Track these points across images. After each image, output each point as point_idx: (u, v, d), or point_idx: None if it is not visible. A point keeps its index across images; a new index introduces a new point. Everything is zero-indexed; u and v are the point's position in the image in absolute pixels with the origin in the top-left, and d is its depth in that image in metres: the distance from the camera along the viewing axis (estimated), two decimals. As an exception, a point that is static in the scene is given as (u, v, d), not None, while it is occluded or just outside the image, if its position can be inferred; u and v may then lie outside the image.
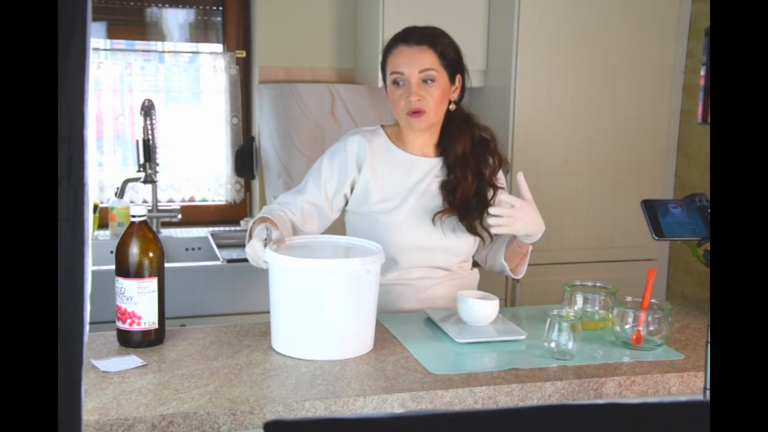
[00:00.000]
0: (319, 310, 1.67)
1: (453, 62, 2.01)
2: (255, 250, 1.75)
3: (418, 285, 2.05)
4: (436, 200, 2.04)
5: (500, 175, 2.10)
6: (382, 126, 2.12)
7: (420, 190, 2.03)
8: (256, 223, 1.89)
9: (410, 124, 2.00)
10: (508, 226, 1.88)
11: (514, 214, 1.88)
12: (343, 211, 2.11)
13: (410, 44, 1.98)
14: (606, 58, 3.06)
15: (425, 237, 2.02)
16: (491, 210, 1.89)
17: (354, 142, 2.04)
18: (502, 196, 1.90)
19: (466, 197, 2.02)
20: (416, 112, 1.97)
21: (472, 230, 2.05)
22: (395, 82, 1.98)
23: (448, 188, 2.03)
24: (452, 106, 2.04)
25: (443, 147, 2.06)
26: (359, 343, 1.71)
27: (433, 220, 2.01)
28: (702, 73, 1.40)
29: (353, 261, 1.70)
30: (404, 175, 2.04)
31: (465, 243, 2.07)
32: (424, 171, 2.05)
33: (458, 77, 2.04)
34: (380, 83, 2.99)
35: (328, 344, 1.67)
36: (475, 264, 2.19)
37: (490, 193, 2.06)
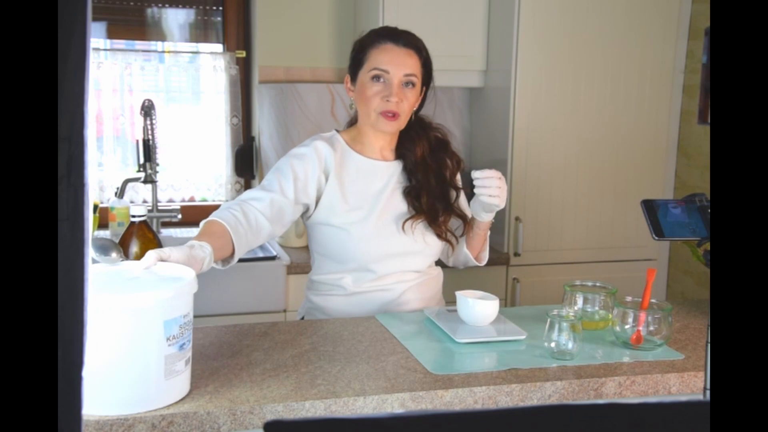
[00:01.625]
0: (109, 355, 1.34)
1: (428, 72, 2.01)
2: (143, 261, 1.52)
3: (393, 288, 2.03)
4: (402, 206, 2.02)
5: (458, 176, 2.10)
6: (338, 131, 2.07)
7: (385, 198, 2.00)
8: (204, 230, 1.77)
9: (380, 124, 1.96)
10: (499, 198, 1.91)
11: (502, 185, 1.91)
12: (307, 223, 2.05)
13: (399, 45, 1.95)
14: (606, 58, 3.06)
15: (398, 244, 2.00)
16: (476, 174, 1.89)
17: (321, 148, 1.97)
18: (483, 173, 1.91)
19: (431, 202, 2.01)
20: (391, 115, 1.93)
21: (441, 236, 2.04)
22: (375, 78, 1.94)
23: (412, 194, 2.01)
24: (413, 116, 2.03)
25: (401, 151, 2.04)
26: (168, 391, 1.40)
27: (403, 228, 1.99)
28: (702, 73, 1.40)
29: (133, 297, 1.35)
30: (368, 181, 2.00)
31: (436, 245, 2.06)
32: (386, 176, 2.03)
33: (424, 88, 2.03)
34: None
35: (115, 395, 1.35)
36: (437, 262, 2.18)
37: (453, 196, 2.06)
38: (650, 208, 1.60)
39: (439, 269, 2.16)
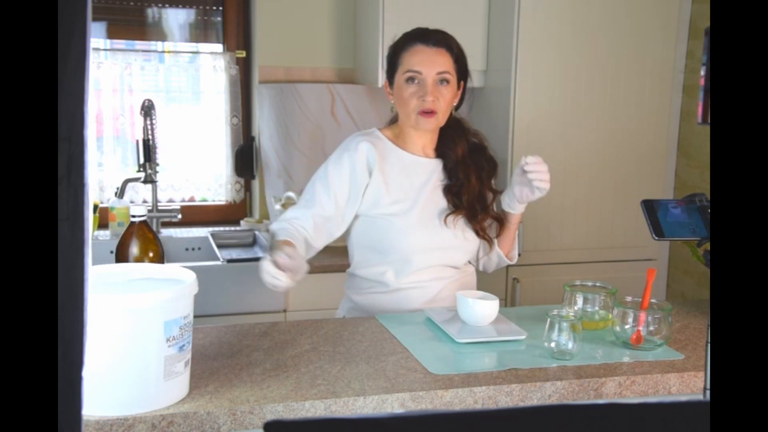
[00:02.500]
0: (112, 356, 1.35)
1: (462, 67, 2.05)
2: (270, 274, 1.72)
3: (431, 286, 2.06)
4: (442, 203, 2.07)
5: (493, 181, 2.15)
6: (379, 129, 2.12)
7: (428, 191, 2.05)
8: (275, 245, 1.85)
9: (419, 124, 2.01)
10: (546, 182, 1.98)
11: (545, 168, 1.98)
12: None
13: (429, 45, 1.99)
14: (606, 58, 3.06)
15: (438, 237, 2.04)
16: (529, 159, 1.97)
17: (361, 149, 2.02)
18: (528, 159, 1.99)
19: (471, 200, 2.06)
20: (428, 113, 1.98)
21: (480, 233, 2.09)
22: (409, 80, 1.99)
23: (453, 192, 2.06)
24: (453, 112, 2.07)
25: (442, 150, 2.09)
26: (164, 391, 1.40)
27: (445, 221, 2.03)
28: (702, 73, 1.40)
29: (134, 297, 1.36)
30: (411, 176, 2.06)
31: (474, 242, 2.10)
32: (428, 172, 2.07)
33: (461, 83, 2.07)
34: (381, 81, 2.99)
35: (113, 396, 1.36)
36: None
37: (489, 197, 2.11)
38: (650, 208, 1.60)
39: (473, 268, 2.20)
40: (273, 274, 1.70)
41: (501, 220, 2.13)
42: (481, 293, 1.90)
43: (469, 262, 2.18)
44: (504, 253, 2.16)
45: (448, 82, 1.99)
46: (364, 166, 2.01)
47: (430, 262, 2.04)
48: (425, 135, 2.06)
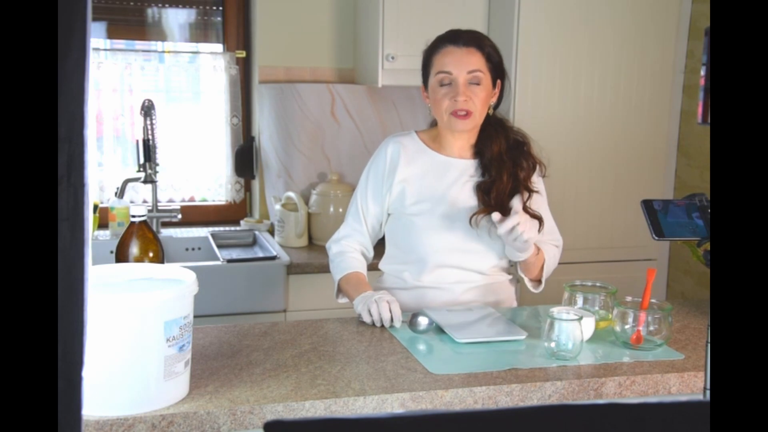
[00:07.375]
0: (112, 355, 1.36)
1: (497, 65, 2.03)
2: (385, 320, 1.87)
3: (452, 288, 2.05)
4: (470, 201, 2.03)
5: (535, 178, 2.08)
6: (416, 132, 2.13)
7: (455, 192, 2.04)
8: (358, 280, 2.02)
9: (454, 125, 1.99)
10: (526, 233, 1.87)
11: (522, 222, 1.87)
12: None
13: (458, 45, 1.99)
14: (606, 58, 3.06)
15: (460, 238, 2.02)
16: (502, 229, 1.87)
17: (387, 152, 2.07)
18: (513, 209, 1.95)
19: (500, 198, 2.01)
20: (462, 114, 1.96)
21: None
22: (441, 83, 1.98)
23: (483, 188, 2.03)
24: (491, 111, 2.05)
25: (479, 147, 2.06)
26: (163, 392, 1.41)
27: (470, 221, 2.00)
28: (702, 73, 1.40)
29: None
30: (439, 176, 2.05)
31: (500, 244, 2.05)
32: (459, 171, 2.06)
33: (498, 82, 2.05)
34: (381, 81, 3.00)
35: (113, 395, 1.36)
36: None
37: (525, 196, 2.04)
38: (650, 208, 1.60)
39: (508, 278, 2.17)
40: (386, 324, 1.87)
41: (538, 218, 2.02)
42: (573, 310, 1.76)
43: (509, 272, 2.15)
44: (527, 277, 2.09)
45: (479, 82, 1.97)
46: (388, 168, 2.06)
47: (450, 264, 2.04)
48: (462, 136, 2.05)
